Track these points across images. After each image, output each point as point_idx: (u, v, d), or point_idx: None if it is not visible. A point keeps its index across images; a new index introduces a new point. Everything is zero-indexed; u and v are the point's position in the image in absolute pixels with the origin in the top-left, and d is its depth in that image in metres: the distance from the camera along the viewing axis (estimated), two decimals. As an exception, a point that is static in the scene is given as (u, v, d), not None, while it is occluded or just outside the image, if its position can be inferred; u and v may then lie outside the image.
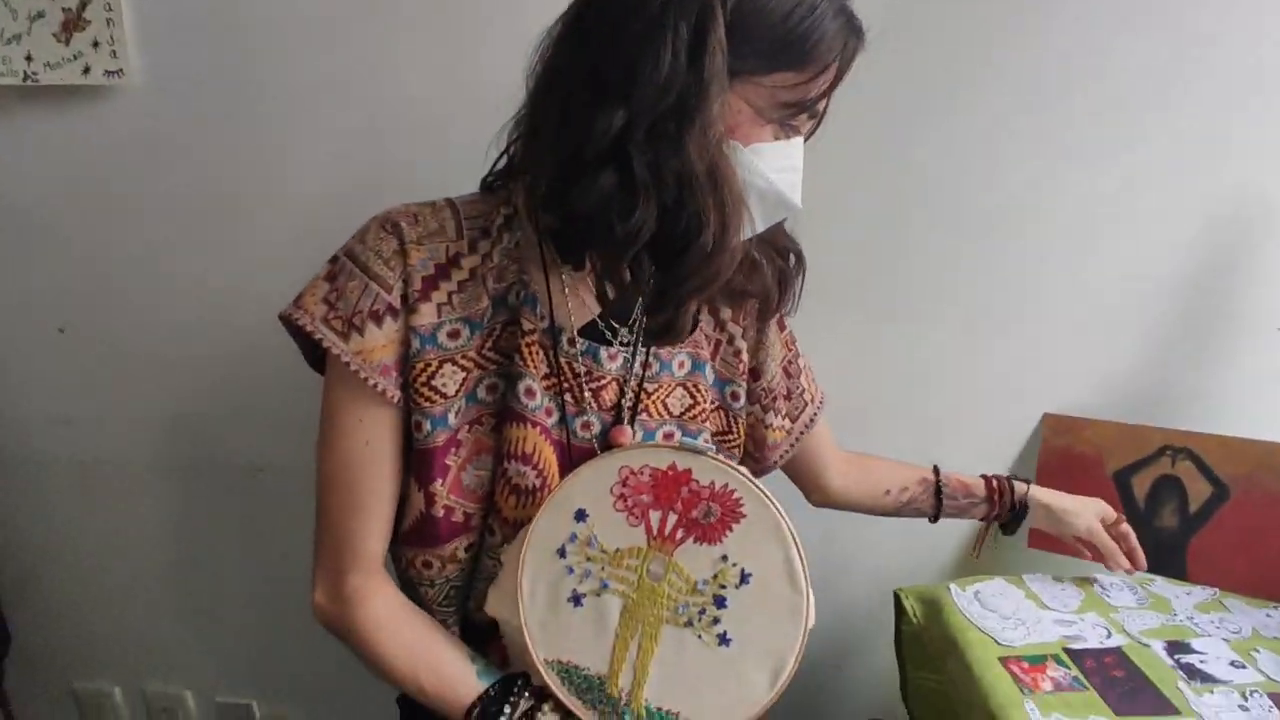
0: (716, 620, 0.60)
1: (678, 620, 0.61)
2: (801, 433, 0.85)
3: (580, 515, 0.63)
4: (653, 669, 0.61)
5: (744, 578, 0.61)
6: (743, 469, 0.63)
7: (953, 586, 0.98)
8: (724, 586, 0.61)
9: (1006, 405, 1.13)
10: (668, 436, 0.73)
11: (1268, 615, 0.95)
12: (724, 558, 0.61)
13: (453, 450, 0.67)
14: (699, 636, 0.61)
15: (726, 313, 0.79)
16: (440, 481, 0.67)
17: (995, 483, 0.96)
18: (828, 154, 1.01)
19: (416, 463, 0.67)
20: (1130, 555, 0.97)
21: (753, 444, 0.84)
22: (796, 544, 0.61)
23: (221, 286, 1.07)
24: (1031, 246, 1.06)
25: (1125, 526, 0.97)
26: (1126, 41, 0.97)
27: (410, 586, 0.72)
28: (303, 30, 0.97)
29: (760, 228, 0.66)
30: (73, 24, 0.97)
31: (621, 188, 0.58)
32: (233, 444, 1.17)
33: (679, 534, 0.62)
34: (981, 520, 0.98)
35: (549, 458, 0.67)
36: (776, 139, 0.64)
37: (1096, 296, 1.07)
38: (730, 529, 0.61)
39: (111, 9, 0.96)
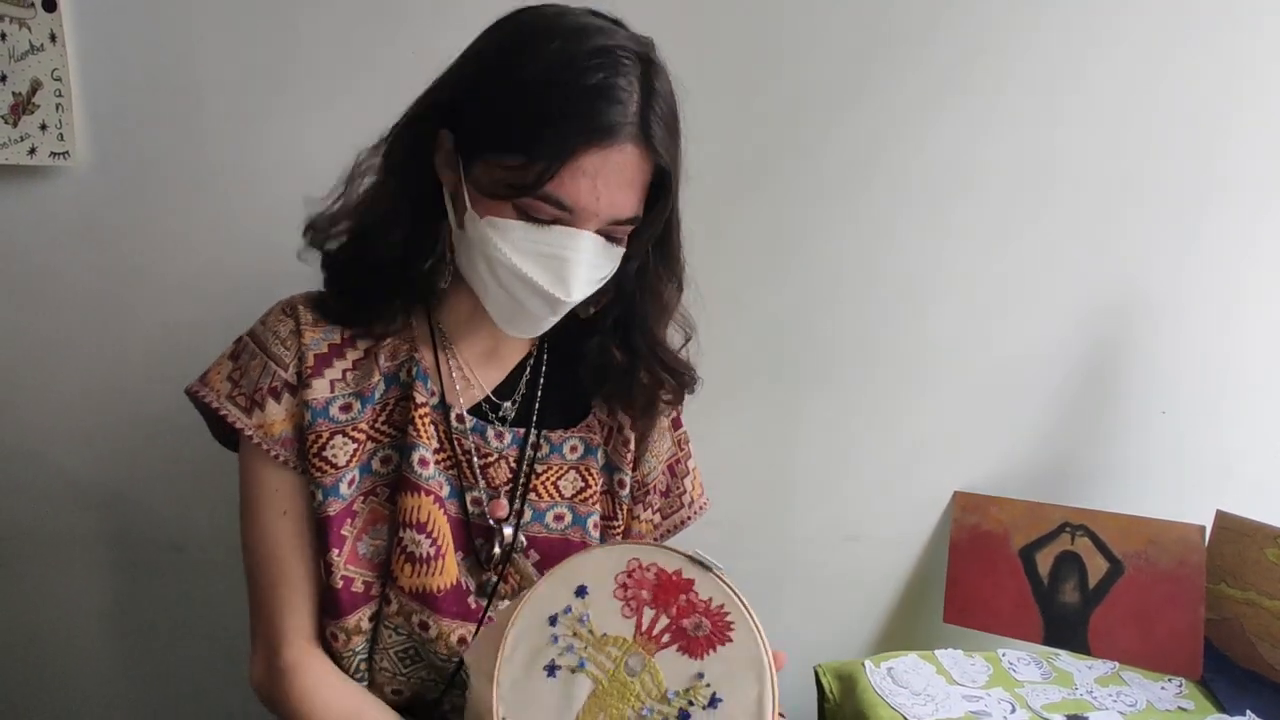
0: None
1: None
2: (670, 531, 0.85)
3: (580, 591, 0.64)
4: None
5: (713, 701, 0.60)
6: (742, 596, 0.63)
7: (868, 663, 1.01)
8: (691, 704, 0.60)
9: (919, 484, 1.17)
10: (559, 518, 0.77)
11: (1162, 688, 0.99)
12: (700, 675, 0.61)
13: (348, 521, 0.71)
14: None
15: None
16: (336, 551, 0.70)
17: None
18: (748, 239, 1.08)
19: (317, 533, 0.70)
20: None
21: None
22: (774, 686, 0.61)
23: (143, 363, 1.08)
24: (935, 330, 1.12)
25: None
26: (1011, 145, 1.06)
27: (335, 659, 0.73)
28: (245, 120, 1.01)
29: (526, 303, 0.66)
30: (22, 107, 1.01)
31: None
32: (153, 521, 1.15)
33: (665, 638, 0.62)
34: None
35: (443, 526, 0.71)
36: (522, 219, 0.64)
37: (998, 379, 1.14)
38: (714, 649, 0.62)
39: (61, 95, 1.00)
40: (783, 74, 1.03)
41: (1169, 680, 1.01)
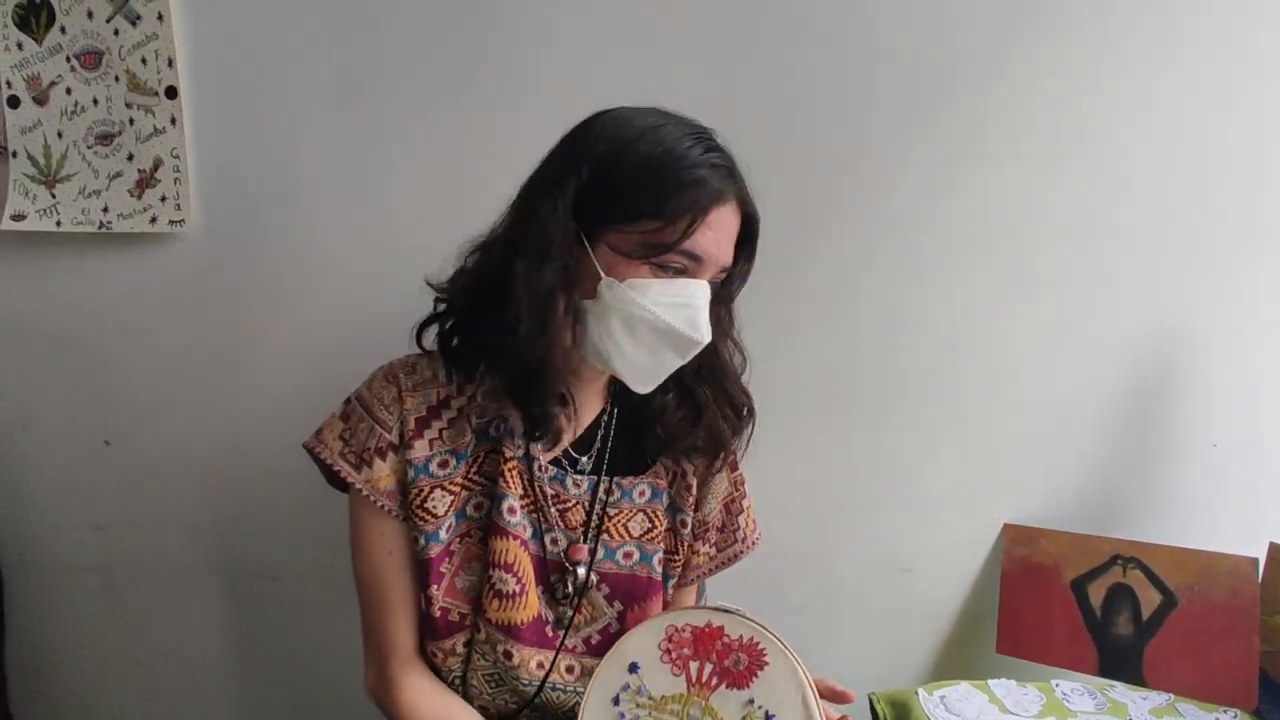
0: None
1: None
2: (724, 563, 0.92)
3: (633, 668, 0.74)
4: None
5: (768, 718, 0.70)
6: (766, 624, 0.72)
7: (921, 691, 1.04)
8: None
9: (969, 516, 1.20)
10: (628, 555, 0.85)
11: (1217, 719, 1.00)
12: (751, 701, 0.71)
13: (446, 560, 0.81)
14: None
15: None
16: (436, 586, 0.80)
17: None
18: (802, 276, 1.13)
19: (418, 570, 0.80)
20: None
21: None
22: (810, 686, 0.70)
23: (249, 411, 1.19)
24: (986, 364, 1.15)
25: None
26: (1062, 183, 1.10)
27: (436, 672, 0.84)
28: (344, 188, 1.12)
29: (660, 354, 0.74)
30: (146, 182, 1.13)
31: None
32: (251, 554, 1.25)
33: (714, 680, 0.72)
34: None
35: (527, 567, 0.80)
36: (656, 277, 0.73)
37: (1047, 412, 1.16)
38: (756, 675, 0.71)
39: (179, 170, 1.13)
40: (843, 120, 1.09)
41: (1224, 711, 1.02)
